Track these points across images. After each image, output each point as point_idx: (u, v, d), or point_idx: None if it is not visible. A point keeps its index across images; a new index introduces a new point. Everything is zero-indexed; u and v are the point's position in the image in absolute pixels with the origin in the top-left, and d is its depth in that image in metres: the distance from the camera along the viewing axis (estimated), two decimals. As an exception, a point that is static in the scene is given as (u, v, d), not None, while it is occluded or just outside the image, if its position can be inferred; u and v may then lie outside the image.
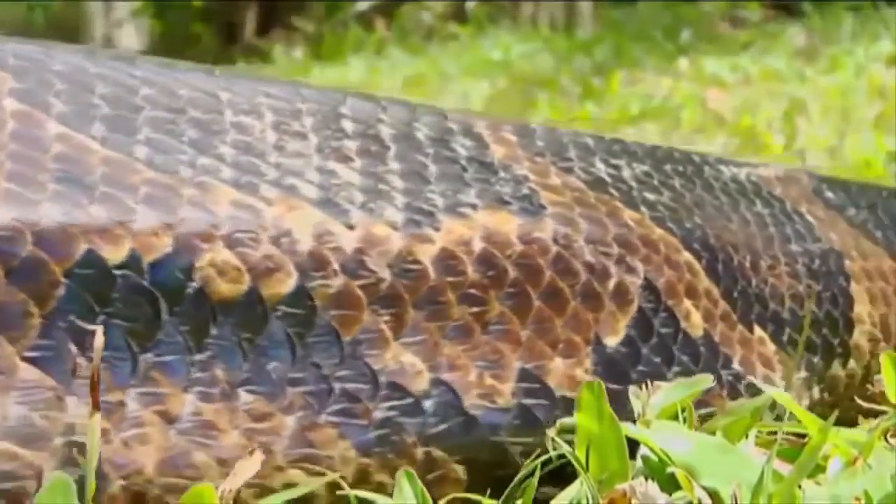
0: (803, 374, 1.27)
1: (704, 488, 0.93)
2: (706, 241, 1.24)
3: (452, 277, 1.00)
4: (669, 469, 0.96)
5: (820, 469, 1.02)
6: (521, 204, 1.09)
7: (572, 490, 0.97)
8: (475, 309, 1.01)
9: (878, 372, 1.18)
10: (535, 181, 1.13)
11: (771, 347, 1.24)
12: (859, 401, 1.24)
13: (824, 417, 0.99)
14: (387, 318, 0.97)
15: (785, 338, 1.26)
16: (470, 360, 1.00)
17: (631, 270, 1.14)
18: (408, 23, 8.57)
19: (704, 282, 1.20)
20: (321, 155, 1.02)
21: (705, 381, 1.12)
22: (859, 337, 1.33)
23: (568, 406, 1.01)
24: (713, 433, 1.05)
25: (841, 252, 1.36)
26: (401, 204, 1.02)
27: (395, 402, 0.96)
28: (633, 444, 0.99)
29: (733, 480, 0.92)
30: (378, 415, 0.95)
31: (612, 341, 1.10)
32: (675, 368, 1.14)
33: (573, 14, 8.24)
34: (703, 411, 1.09)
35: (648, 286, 1.15)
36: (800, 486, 0.93)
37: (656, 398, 1.09)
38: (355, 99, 1.13)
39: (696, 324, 1.17)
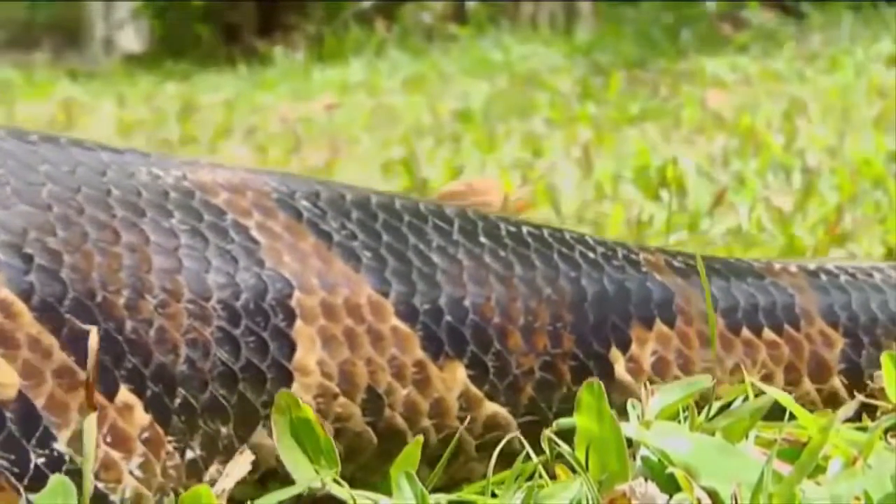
0: (197, 452, 0.98)
1: (704, 489, 0.93)
2: (54, 270, 0.93)
3: None
4: (669, 469, 0.96)
5: (820, 469, 1.02)
6: None
7: (572, 490, 0.97)
8: None
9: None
10: None
11: (142, 417, 0.94)
12: (861, 397, 1.22)
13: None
14: None
15: (175, 402, 0.96)
16: None
17: None
18: (408, 23, 8.56)
19: (32, 326, 0.91)
20: None
21: (705, 380, 1.12)
22: (300, 391, 1.01)
23: None
24: (713, 434, 1.05)
25: (290, 281, 1.04)
26: None
27: None
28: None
29: (733, 481, 0.92)
30: None
31: None
32: None
33: (573, 14, 8.24)
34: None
35: None
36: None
37: (655, 399, 1.09)
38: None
39: (9, 382, 0.89)
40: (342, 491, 0.96)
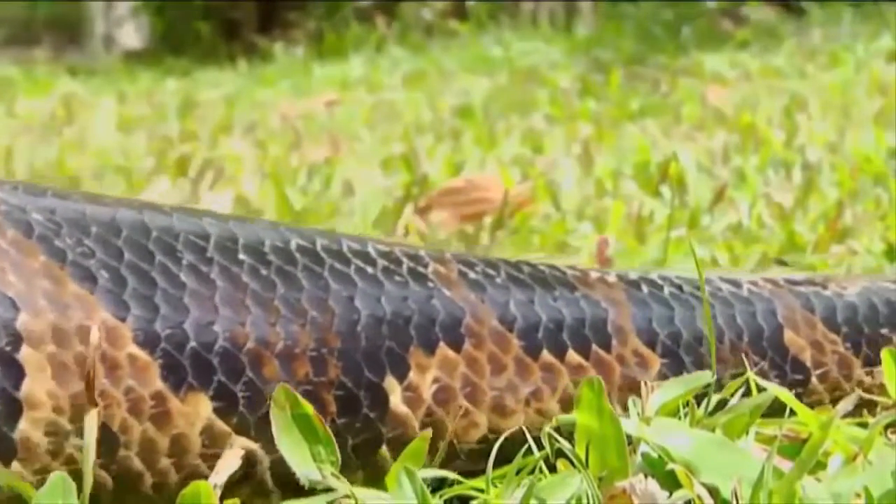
0: None
1: (704, 485, 0.93)
2: None
3: None
4: (669, 466, 0.96)
5: (820, 466, 1.02)
6: None
7: (572, 487, 0.96)
8: None
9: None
10: None
11: None
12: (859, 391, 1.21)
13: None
14: None
15: None
16: None
17: None
18: (408, 20, 8.56)
19: None
20: None
21: (705, 377, 1.12)
22: (30, 429, 0.91)
23: None
24: (713, 430, 1.05)
25: (15, 301, 0.93)
26: None
27: None
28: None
29: (733, 477, 0.92)
30: None
31: None
32: None
33: (573, 11, 8.24)
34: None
35: None
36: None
37: (655, 396, 1.09)
38: None
39: None
40: (342, 485, 0.96)
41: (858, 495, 0.93)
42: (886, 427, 1.15)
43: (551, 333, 1.13)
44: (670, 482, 0.94)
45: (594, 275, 1.21)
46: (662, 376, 1.15)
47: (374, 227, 2.36)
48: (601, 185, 2.78)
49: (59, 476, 0.88)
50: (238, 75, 7.13)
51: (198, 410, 0.97)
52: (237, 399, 0.98)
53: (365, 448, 1.03)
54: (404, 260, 1.12)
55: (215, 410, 0.97)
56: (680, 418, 1.08)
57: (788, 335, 1.23)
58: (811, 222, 2.31)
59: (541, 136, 3.73)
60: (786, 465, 0.95)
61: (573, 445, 1.01)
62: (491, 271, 1.14)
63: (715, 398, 1.11)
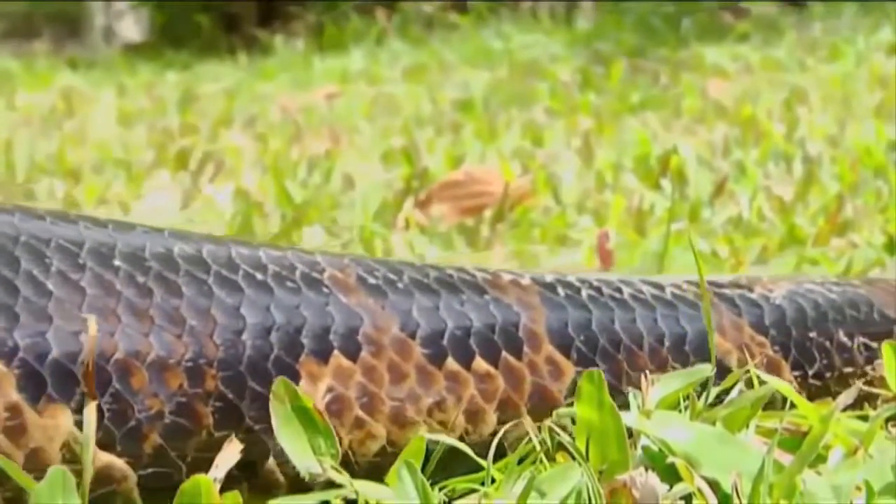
0: None
1: (705, 478, 0.93)
2: None
3: None
4: (670, 459, 0.96)
5: (821, 459, 1.02)
6: None
7: (572, 480, 0.96)
8: None
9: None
10: None
11: None
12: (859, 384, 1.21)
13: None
14: None
15: None
16: None
17: None
18: (408, 13, 8.56)
19: None
20: None
21: (705, 370, 1.11)
22: None
23: None
24: (713, 423, 1.05)
25: None
26: None
27: None
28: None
29: (734, 470, 0.92)
30: None
31: None
32: None
33: (573, 4, 8.23)
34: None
35: None
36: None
37: (655, 389, 1.08)
38: None
39: None
40: (342, 478, 0.96)
41: (859, 489, 0.93)
42: (887, 420, 1.15)
43: (457, 340, 1.08)
44: (671, 475, 0.94)
45: (507, 277, 1.16)
46: (575, 385, 1.07)
47: (375, 220, 2.36)
48: (601, 179, 2.78)
49: (58, 469, 0.88)
50: (238, 68, 7.13)
51: (57, 424, 0.92)
52: (101, 412, 0.93)
53: (250, 461, 0.98)
54: (298, 265, 1.07)
55: (78, 424, 0.93)
56: (680, 411, 1.08)
57: (714, 339, 1.17)
58: (811, 215, 2.31)
59: (541, 130, 3.73)
60: (786, 459, 0.95)
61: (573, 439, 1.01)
62: (393, 276, 1.09)
63: (714, 391, 1.11)
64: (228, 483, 0.94)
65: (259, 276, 1.04)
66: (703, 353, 1.16)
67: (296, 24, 8.92)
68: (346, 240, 2.24)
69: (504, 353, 1.09)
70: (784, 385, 1.11)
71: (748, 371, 1.14)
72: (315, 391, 1.01)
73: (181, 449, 0.96)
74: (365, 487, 0.96)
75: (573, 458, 0.99)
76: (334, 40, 7.90)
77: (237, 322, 1.00)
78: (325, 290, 1.05)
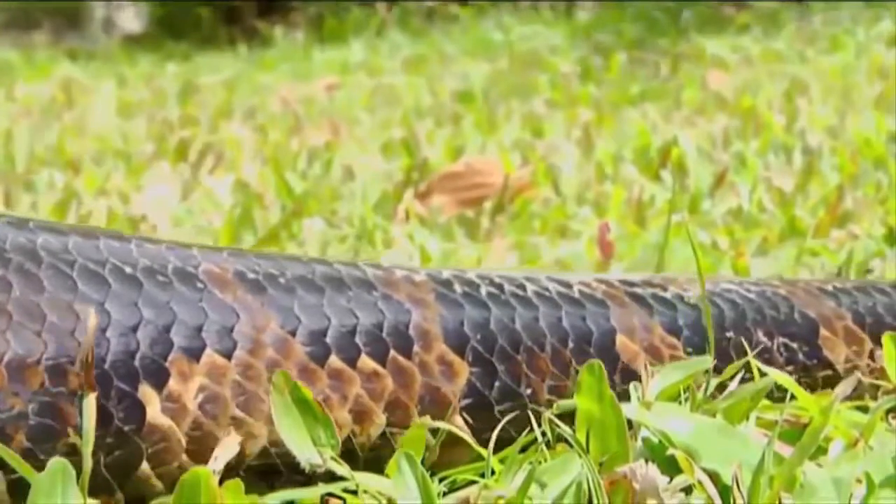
0: None
1: (705, 470, 0.93)
2: None
3: None
4: (670, 451, 0.96)
5: (821, 451, 1.02)
6: None
7: (573, 472, 0.96)
8: None
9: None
10: None
11: None
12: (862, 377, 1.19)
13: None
14: None
15: None
16: None
17: None
18: (408, 4, 8.55)
19: None
20: None
21: (705, 362, 1.11)
22: None
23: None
24: (713, 415, 1.05)
25: None
26: None
27: None
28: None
29: (734, 462, 0.92)
30: None
31: None
32: None
33: (574, -5, 8.22)
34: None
35: None
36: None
37: (655, 381, 1.08)
38: None
39: None
40: (342, 469, 0.96)
41: (859, 480, 0.93)
42: (887, 412, 1.15)
43: (342, 337, 1.04)
44: (671, 467, 0.94)
45: (399, 273, 1.11)
46: (471, 387, 1.05)
47: (375, 212, 2.36)
48: (601, 170, 2.78)
49: (59, 461, 0.88)
50: (238, 59, 7.12)
51: None
52: None
53: (121, 465, 0.95)
54: (171, 259, 1.03)
55: None
56: (680, 403, 1.08)
57: (621, 340, 1.14)
58: (811, 206, 2.30)
59: (541, 121, 3.73)
60: (786, 451, 0.95)
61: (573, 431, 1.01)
62: (274, 272, 1.06)
63: (714, 382, 1.11)
64: (94, 491, 0.91)
65: (128, 269, 1.00)
66: (608, 355, 1.12)
67: (296, 16, 8.91)
68: (346, 231, 2.24)
69: (392, 352, 1.05)
70: (783, 377, 1.11)
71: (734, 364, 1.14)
72: (185, 390, 0.97)
73: (47, 450, 0.92)
74: (366, 479, 0.96)
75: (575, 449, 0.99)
76: (334, 31, 7.89)
77: (101, 318, 0.96)
78: (199, 285, 1.02)
